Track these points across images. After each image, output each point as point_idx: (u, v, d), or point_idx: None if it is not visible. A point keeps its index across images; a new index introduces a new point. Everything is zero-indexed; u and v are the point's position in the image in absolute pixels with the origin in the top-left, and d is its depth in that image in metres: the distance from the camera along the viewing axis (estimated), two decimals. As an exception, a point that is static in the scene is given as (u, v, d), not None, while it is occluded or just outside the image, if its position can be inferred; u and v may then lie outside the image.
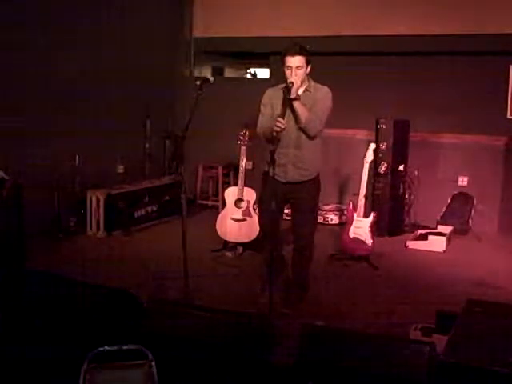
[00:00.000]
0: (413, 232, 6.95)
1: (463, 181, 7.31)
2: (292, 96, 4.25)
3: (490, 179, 7.16)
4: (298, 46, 4.36)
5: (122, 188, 6.95)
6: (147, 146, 7.91)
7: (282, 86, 4.44)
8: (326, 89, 4.52)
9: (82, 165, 6.67)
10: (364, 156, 6.03)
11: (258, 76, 9.07)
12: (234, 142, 6.13)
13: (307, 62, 4.34)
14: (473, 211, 7.13)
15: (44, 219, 6.27)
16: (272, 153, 4.06)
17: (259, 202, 4.87)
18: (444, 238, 6.46)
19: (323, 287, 5.20)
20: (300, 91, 4.37)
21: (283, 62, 4.35)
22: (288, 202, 4.73)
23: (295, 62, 4.28)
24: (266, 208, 4.38)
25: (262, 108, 4.58)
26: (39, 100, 6.18)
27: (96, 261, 5.69)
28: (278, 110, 4.26)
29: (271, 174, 4.15)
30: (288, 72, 4.30)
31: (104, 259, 5.79)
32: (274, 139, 4.11)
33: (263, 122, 4.52)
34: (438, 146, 7.39)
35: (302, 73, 4.31)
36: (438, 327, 3.72)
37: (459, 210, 7.18)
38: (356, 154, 6.72)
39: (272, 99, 4.50)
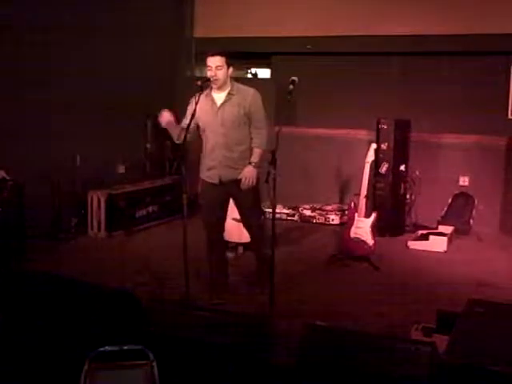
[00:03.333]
0: (414, 232, 6.94)
1: (464, 181, 7.31)
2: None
3: (491, 179, 7.16)
4: (219, 48, 4.63)
5: (123, 188, 6.95)
6: (148, 146, 7.90)
7: (205, 92, 4.59)
8: (252, 91, 4.67)
9: (82, 165, 6.68)
10: (365, 156, 6.03)
11: (259, 76, 9.07)
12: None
13: (227, 64, 4.54)
14: (474, 211, 7.12)
15: (45, 219, 6.27)
16: (273, 153, 4.09)
17: (202, 208, 4.94)
18: (445, 238, 6.46)
19: (324, 287, 5.20)
20: (223, 95, 4.58)
21: (206, 64, 4.57)
22: (228, 200, 4.87)
23: (215, 61, 4.51)
24: (209, 215, 4.77)
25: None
26: (40, 100, 6.18)
27: (97, 261, 5.70)
28: (203, 120, 4.60)
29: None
30: (209, 72, 4.53)
31: (105, 259, 5.79)
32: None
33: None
34: (438, 146, 7.39)
35: (222, 72, 4.51)
36: (438, 327, 3.71)
37: (460, 210, 7.17)
38: (357, 154, 6.72)
39: (194, 104, 4.54)
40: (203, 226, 4.82)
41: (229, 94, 4.59)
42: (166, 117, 4.67)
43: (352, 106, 7.47)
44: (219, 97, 4.60)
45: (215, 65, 4.49)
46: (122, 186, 7.02)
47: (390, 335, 3.59)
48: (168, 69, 8.25)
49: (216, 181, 4.67)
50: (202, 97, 4.59)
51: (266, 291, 4.29)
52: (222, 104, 4.58)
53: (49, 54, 6.29)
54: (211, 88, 4.61)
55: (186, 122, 4.59)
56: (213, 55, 4.50)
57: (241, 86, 4.67)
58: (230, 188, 4.69)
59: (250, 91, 4.65)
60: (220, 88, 4.57)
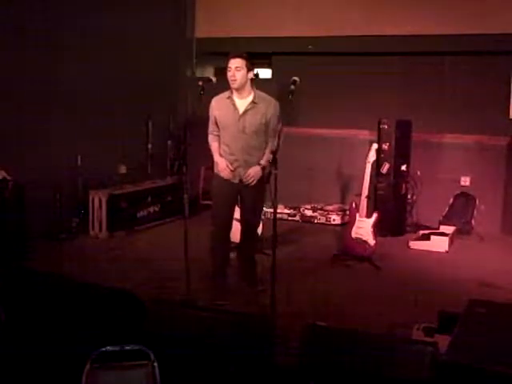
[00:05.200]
0: (415, 232, 6.94)
1: (465, 181, 7.30)
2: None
3: (493, 179, 7.15)
4: (240, 52, 4.70)
5: (125, 188, 6.96)
6: (149, 146, 7.90)
7: (226, 94, 4.68)
8: (274, 102, 4.72)
9: (83, 165, 6.68)
10: (366, 156, 6.03)
11: (260, 76, 9.07)
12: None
13: (248, 68, 4.59)
14: (475, 211, 7.12)
15: (46, 219, 6.27)
16: (274, 153, 4.11)
17: (214, 205, 4.95)
18: (446, 238, 6.45)
19: (325, 287, 5.19)
20: (245, 102, 4.63)
21: (226, 67, 4.62)
22: (237, 199, 4.93)
23: (235, 62, 4.57)
24: (221, 212, 4.78)
25: (210, 120, 4.80)
26: (40, 100, 6.19)
27: (98, 261, 5.70)
28: (223, 123, 4.66)
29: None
30: (228, 73, 4.59)
31: (106, 259, 5.79)
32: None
33: (211, 138, 4.80)
34: (440, 146, 7.39)
35: (241, 74, 4.57)
36: (440, 327, 3.71)
37: (461, 210, 7.17)
38: (358, 155, 6.72)
39: (215, 110, 4.72)
40: (212, 223, 4.84)
41: (252, 102, 4.63)
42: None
43: (353, 106, 7.47)
44: (241, 103, 4.64)
45: (234, 66, 4.55)
46: (124, 186, 7.02)
47: (391, 335, 3.59)
48: (169, 69, 8.25)
49: (236, 180, 4.72)
50: (223, 98, 4.70)
51: (267, 291, 4.29)
52: (245, 112, 4.62)
53: (49, 54, 6.29)
54: (232, 91, 4.65)
55: (213, 127, 4.76)
56: (234, 57, 4.58)
57: (262, 95, 4.72)
58: (241, 186, 4.74)
59: (272, 102, 4.71)
60: (240, 92, 4.62)
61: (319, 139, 7.86)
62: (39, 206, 5.98)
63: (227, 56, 4.63)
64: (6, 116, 5.85)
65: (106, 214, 6.62)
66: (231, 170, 4.66)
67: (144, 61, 7.48)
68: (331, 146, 7.80)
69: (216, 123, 4.74)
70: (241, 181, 4.70)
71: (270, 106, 4.66)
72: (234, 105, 4.64)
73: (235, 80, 4.55)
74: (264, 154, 4.69)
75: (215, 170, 4.83)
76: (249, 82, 4.64)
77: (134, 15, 7.40)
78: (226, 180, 4.72)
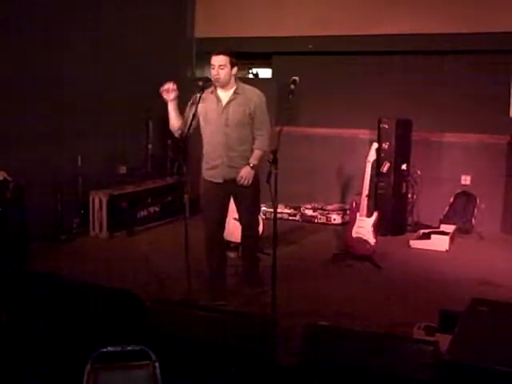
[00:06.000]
0: (416, 231, 6.93)
1: (466, 180, 7.29)
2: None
3: (493, 178, 7.14)
4: (224, 47, 4.64)
5: (125, 189, 6.96)
6: (150, 146, 7.90)
7: (210, 89, 4.63)
8: (257, 92, 4.71)
9: (84, 166, 6.67)
10: (366, 155, 6.03)
11: (260, 76, 9.07)
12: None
13: (232, 64, 4.54)
14: (476, 210, 7.11)
15: (46, 220, 6.28)
16: (274, 153, 4.09)
17: (203, 208, 4.94)
18: (447, 238, 6.45)
19: (326, 287, 5.19)
20: (228, 94, 4.60)
21: (210, 63, 4.58)
22: (229, 199, 4.90)
23: (218, 60, 4.51)
24: (210, 215, 4.77)
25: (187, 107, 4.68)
26: (41, 101, 6.18)
27: (98, 261, 5.70)
28: (206, 117, 4.61)
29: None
30: (212, 71, 4.55)
31: (107, 260, 5.79)
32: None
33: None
34: (440, 145, 7.38)
35: (224, 72, 4.52)
36: (441, 326, 3.71)
37: (462, 209, 7.17)
38: (358, 154, 6.72)
39: (202, 102, 4.58)
40: (203, 225, 4.83)
41: (234, 93, 4.60)
42: (172, 90, 4.53)
43: (353, 106, 7.47)
44: (224, 95, 4.62)
45: (218, 64, 4.50)
46: (124, 186, 7.02)
47: (392, 334, 3.59)
48: (169, 69, 8.21)
49: (219, 180, 4.69)
50: (207, 93, 4.62)
51: (268, 291, 4.29)
52: (228, 103, 4.59)
53: (49, 54, 6.29)
54: (216, 86, 4.61)
55: (187, 118, 4.60)
56: (217, 54, 4.52)
57: (246, 86, 4.69)
58: (231, 187, 4.71)
59: (256, 92, 4.69)
60: (224, 87, 4.59)
61: (319, 139, 7.86)
62: (40, 206, 5.98)
63: (211, 53, 4.58)
64: (5, 116, 5.85)
65: (107, 215, 6.62)
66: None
67: (144, 61, 7.47)
68: (331, 145, 7.80)
69: (193, 119, 4.57)
70: (232, 181, 4.66)
71: (253, 96, 4.63)
72: (217, 97, 4.61)
73: (219, 78, 4.52)
74: (249, 149, 4.66)
75: (202, 174, 4.82)
76: (233, 78, 4.60)
77: (133, 15, 7.40)
78: (212, 182, 4.72)
